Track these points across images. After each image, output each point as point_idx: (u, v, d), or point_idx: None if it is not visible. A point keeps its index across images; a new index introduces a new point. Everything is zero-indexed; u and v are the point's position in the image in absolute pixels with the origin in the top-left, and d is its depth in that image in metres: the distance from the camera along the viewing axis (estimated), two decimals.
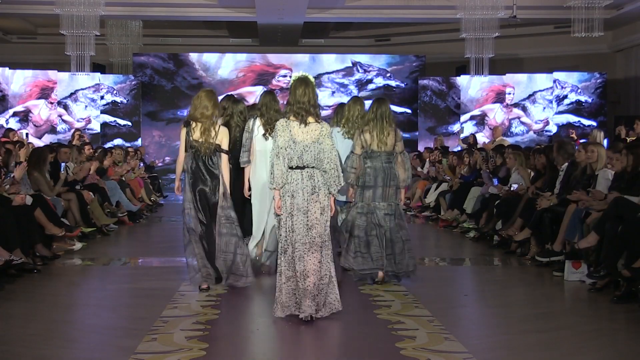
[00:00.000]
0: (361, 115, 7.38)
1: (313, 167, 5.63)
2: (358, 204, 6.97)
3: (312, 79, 5.86)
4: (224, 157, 6.64)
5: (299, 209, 5.59)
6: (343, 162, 6.84)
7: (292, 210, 5.60)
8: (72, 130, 15.93)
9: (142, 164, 15.34)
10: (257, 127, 7.21)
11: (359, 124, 7.24)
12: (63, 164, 10.12)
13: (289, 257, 5.58)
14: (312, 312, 5.48)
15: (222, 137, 6.61)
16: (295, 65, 18.86)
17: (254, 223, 7.33)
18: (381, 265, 6.89)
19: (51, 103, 17.67)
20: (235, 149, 7.20)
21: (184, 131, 6.58)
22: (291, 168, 5.63)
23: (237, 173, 7.25)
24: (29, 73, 17.84)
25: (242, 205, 7.29)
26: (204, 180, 6.56)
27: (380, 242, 6.88)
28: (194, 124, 6.55)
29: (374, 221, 6.89)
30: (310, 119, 5.65)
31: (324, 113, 17.20)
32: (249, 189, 7.27)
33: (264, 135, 7.14)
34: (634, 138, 11.83)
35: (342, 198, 7.18)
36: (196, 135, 6.53)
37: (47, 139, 16.97)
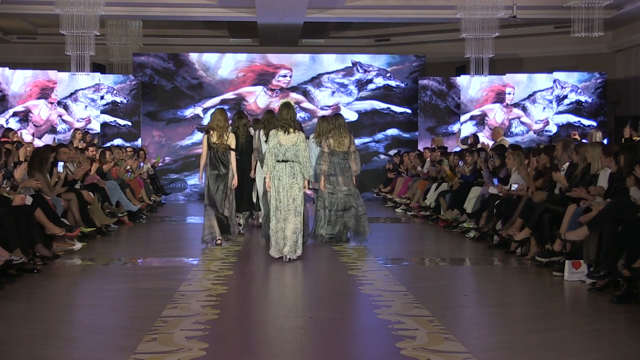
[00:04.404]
0: (328, 129, 10.00)
1: (292, 161, 8.49)
2: (328, 186, 9.83)
3: (293, 103, 8.77)
4: (232, 154, 9.52)
5: (284, 188, 8.48)
6: (316, 159, 9.90)
7: (279, 188, 8.48)
8: (72, 130, 15.91)
9: (142, 164, 15.32)
10: (261, 136, 10.17)
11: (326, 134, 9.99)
12: (61, 164, 10.06)
13: (277, 218, 8.45)
14: (291, 255, 8.33)
15: (232, 141, 9.53)
16: (295, 65, 18.81)
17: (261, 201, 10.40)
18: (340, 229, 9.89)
19: (51, 103, 17.64)
20: (240, 150, 10.16)
21: (205, 137, 9.43)
22: (279, 161, 8.51)
23: (241, 166, 10.15)
24: (29, 73, 17.78)
25: (240, 189, 10.21)
26: (219, 169, 9.43)
27: (339, 213, 9.82)
28: (212, 132, 9.40)
29: (338, 199, 9.81)
30: (291, 130, 8.52)
31: (321, 113, 17.32)
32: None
33: (265, 141, 9.63)
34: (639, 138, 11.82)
35: (317, 186, 9.95)
36: (214, 139, 9.42)
37: (47, 139, 16.94)
